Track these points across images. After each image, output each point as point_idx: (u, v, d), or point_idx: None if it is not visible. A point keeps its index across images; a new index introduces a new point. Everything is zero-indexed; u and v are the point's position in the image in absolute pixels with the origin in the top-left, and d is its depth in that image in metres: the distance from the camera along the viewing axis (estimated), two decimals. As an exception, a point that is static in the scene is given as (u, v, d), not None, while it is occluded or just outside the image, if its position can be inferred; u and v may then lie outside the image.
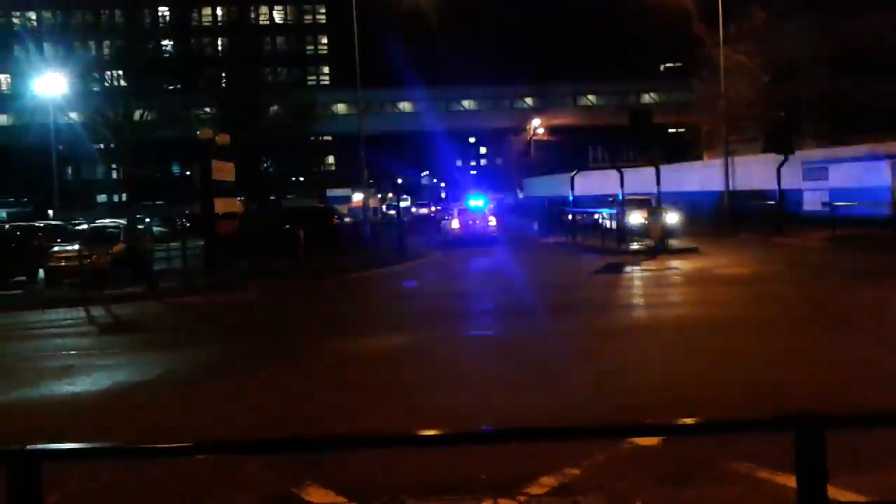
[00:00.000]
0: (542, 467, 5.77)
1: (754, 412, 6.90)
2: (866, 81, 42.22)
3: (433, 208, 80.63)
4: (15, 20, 30.82)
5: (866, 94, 41.91)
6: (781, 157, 28.81)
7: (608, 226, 29.34)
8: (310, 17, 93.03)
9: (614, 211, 29.18)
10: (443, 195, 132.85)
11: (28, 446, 2.31)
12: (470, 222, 33.90)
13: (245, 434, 7.28)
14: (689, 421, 2.68)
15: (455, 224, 33.91)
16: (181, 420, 8.14)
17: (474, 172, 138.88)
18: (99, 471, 6.14)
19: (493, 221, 34.70)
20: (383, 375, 9.76)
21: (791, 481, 2.65)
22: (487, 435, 2.79)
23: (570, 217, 32.79)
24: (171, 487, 6.07)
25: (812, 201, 33.70)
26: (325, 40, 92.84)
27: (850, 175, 32.20)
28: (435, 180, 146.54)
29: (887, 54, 44.28)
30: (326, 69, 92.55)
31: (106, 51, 30.12)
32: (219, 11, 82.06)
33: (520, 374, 9.42)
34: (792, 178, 32.88)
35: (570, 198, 33.91)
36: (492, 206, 50.24)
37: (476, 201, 39.71)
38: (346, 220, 42.10)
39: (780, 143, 29.42)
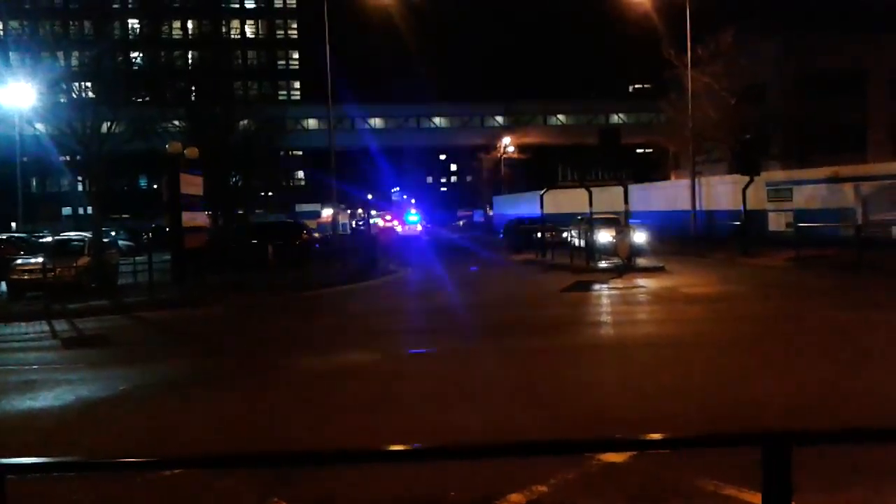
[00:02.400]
0: (510, 484, 5.78)
1: (720, 429, 6.97)
2: (831, 103, 43.11)
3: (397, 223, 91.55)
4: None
5: (831, 115, 42.79)
6: (747, 178, 29.25)
7: (577, 244, 29.54)
8: (282, 31, 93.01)
9: (577, 229, 29.53)
10: (413, 211, 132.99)
11: (-8, 460, 2.28)
12: (407, 227, 75.29)
13: (210, 449, 7.21)
14: (656, 436, 2.71)
15: (399, 229, 71.94)
16: (144, 435, 8.04)
17: (444, 189, 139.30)
18: (60, 487, 6.03)
19: (419, 227, 76.18)
20: (354, 393, 9.72)
21: (757, 498, 2.68)
22: (454, 451, 2.78)
23: (538, 235, 32.97)
24: (136, 504, 5.98)
25: (777, 222, 34.25)
26: (296, 55, 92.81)
27: (814, 196, 32.79)
28: (405, 196, 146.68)
29: (851, 76, 45.30)
30: (297, 84, 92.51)
31: (74, 62, 29.69)
32: (190, 24, 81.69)
33: (489, 391, 9.43)
34: (758, 199, 33.39)
35: (540, 215, 34.13)
36: (466, 220, 76.06)
37: (412, 217, 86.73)
38: (316, 235, 42.00)
39: (747, 164, 29.86)
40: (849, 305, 16.36)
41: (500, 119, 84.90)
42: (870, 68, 45.79)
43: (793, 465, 2.40)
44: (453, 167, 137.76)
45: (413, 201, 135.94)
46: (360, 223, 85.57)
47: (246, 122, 45.38)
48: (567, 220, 36.13)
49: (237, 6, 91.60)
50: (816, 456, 5.39)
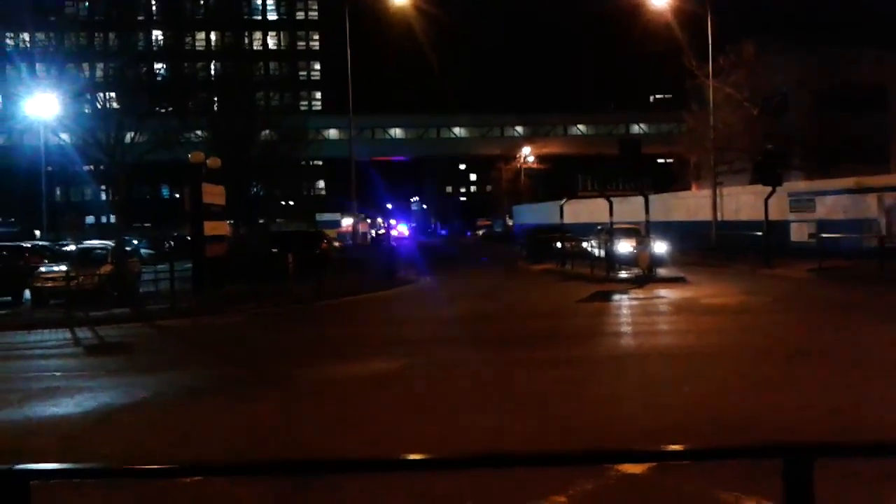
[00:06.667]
0: (528, 495, 5.75)
1: (741, 440, 6.90)
2: (853, 115, 42.77)
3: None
4: (8, 41, 30.84)
5: (852, 127, 42.43)
6: (769, 189, 29.04)
7: (597, 254, 29.44)
8: (303, 43, 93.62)
9: (596, 239, 29.42)
10: (432, 221, 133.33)
11: (17, 466, 2.30)
12: (400, 234, 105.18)
13: (229, 458, 7.23)
14: (677, 448, 2.68)
15: (395, 233, 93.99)
16: (166, 443, 8.08)
17: (464, 199, 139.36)
18: (76, 493, 6.07)
19: (407, 233, 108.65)
20: (371, 402, 9.73)
21: (777, 509, 2.66)
22: (471, 460, 2.77)
23: (558, 244, 32.89)
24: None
25: (799, 232, 33.96)
26: (317, 66, 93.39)
27: (836, 207, 32.49)
28: (424, 206, 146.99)
29: (872, 90, 44.94)
30: (319, 94, 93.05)
31: (98, 73, 30.08)
32: (213, 36, 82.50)
33: (506, 401, 9.39)
34: (779, 210, 33.13)
35: (560, 225, 34.06)
36: (486, 230, 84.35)
37: (403, 227, 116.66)
38: (336, 244, 42.18)
39: (768, 174, 29.64)
40: (873, 318, 16.17)
41: (519, 129, 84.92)
42: (891, 82, 45.43)
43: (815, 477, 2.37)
44: (473, 177, 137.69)
45: (423, 207, 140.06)
46: (380, 232, 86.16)
47: (267, 132, 45.72)
48: (587, 230, 36.03)
49: (260, 18, 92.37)
50: (840, 467, 5.33)
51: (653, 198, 28.91)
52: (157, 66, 33.58)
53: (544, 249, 35.50)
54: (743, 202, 38.15)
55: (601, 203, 30.10)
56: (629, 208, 32.86)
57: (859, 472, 5.76)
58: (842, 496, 5.40)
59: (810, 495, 2.36)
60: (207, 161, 26.10)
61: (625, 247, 27.97)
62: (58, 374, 12.49)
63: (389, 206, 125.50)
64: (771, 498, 5.27)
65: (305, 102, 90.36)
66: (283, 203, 62.77)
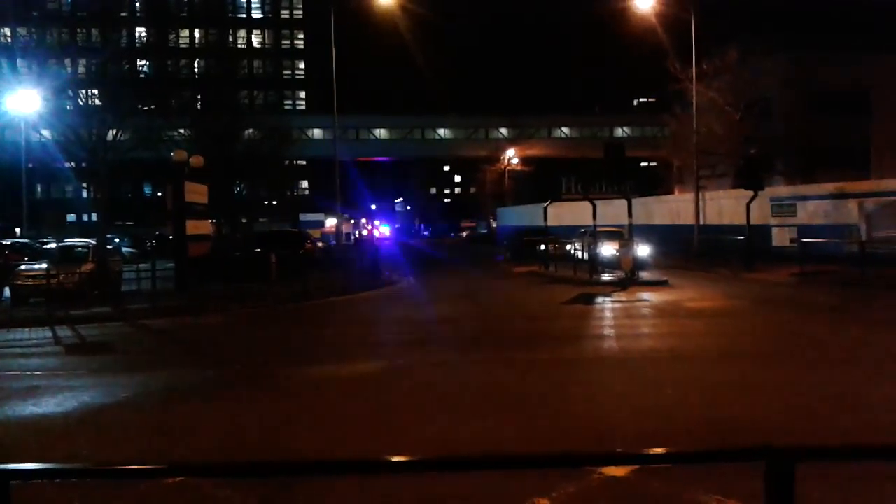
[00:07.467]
0: (511, 497, 5.76)
1: (721, 445, 6.95)
2: (835, 121, 43.17)
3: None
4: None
5: (835, 133, 42.84)
6: (751, 193, 29.25)
7: (580, 256, 29.53)
8: (288, 42, 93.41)
9: (580, 242, 29.51)
10: (416, 222, 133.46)
11: (-2, 466, 2.29)
12: (383, 234, 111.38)
13: (210, 458, 7.20)
14: (659, 451, 2.70)
15: (377, 234, 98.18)
16: (147, 443, 8.03)
17: (448, 200, 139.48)
18: (58, 494, 6.02)
19: (388, 233, 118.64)
20: (355, 403, 9.71)
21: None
22: (455, 462, 2.77)
23: (542, 247, 32.98)
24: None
25: (781, 237, 34.22)
26: (302, 65, 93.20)
27: (818, 212, 32.77)
28: (409, 207, 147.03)
29: (856, 95, 45.38)
30: (303, 94, 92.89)
31: (81, 69, 29.88)
32: (197, 34, 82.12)
33: (491, 403, 9.40)
34: (761, 214, 33.37)
35: (544, 227, 34.14)
36: (470, 231, 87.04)
37: (384, 227, 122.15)
38: (319, 244, 42.07)
39: (750, 179, 29.85)
40: (853, 322, 16.32)
41: (504, 131, 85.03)
42: (874, 87, 45.90)
43: (796, 480, 2.39)
44: (457, 178, 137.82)
45: (407, 208, 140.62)
46: (364, 233, 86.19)
47: (251, 131, 45.56)
48: (570, 232, 36.13)
49: (244, 16, 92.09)
50: (820, 466, 5.37)
51: (636, 201, 29.06)
52: (141, 63, 33.38)
53: (528, 251, 35.59)
54: (725, 206, 38.40)
55: (585, 206, 30.22)
56: (613, 211, 33.00)
57: (841, 471, 5.81)
58: (823, 496, 5.44)
59: (791, 498, 2.38)
60: (190, 159, 25.98)
61: (608, 250, 28.08)
62: (38, 373, 12.38)
63: (373, 206, 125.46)
64: (753, 500, 5.30)
65: (290, 101, 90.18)
66: (266, 202, 62.59)
